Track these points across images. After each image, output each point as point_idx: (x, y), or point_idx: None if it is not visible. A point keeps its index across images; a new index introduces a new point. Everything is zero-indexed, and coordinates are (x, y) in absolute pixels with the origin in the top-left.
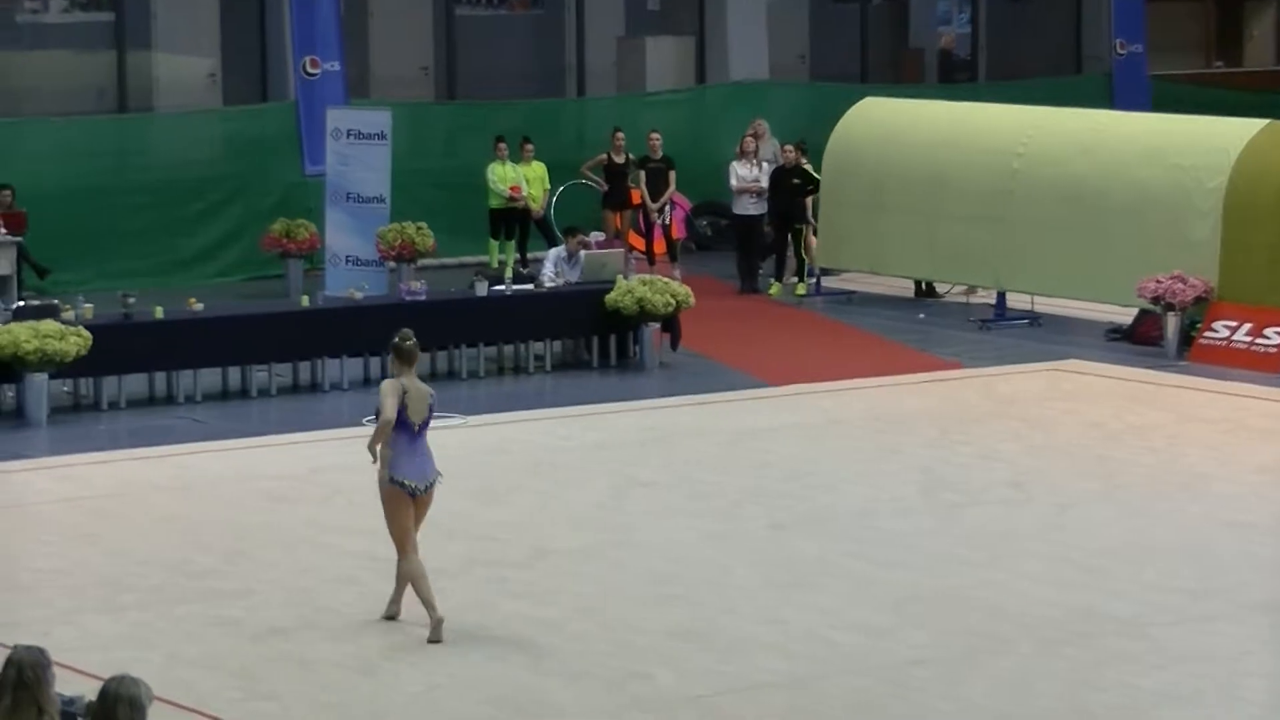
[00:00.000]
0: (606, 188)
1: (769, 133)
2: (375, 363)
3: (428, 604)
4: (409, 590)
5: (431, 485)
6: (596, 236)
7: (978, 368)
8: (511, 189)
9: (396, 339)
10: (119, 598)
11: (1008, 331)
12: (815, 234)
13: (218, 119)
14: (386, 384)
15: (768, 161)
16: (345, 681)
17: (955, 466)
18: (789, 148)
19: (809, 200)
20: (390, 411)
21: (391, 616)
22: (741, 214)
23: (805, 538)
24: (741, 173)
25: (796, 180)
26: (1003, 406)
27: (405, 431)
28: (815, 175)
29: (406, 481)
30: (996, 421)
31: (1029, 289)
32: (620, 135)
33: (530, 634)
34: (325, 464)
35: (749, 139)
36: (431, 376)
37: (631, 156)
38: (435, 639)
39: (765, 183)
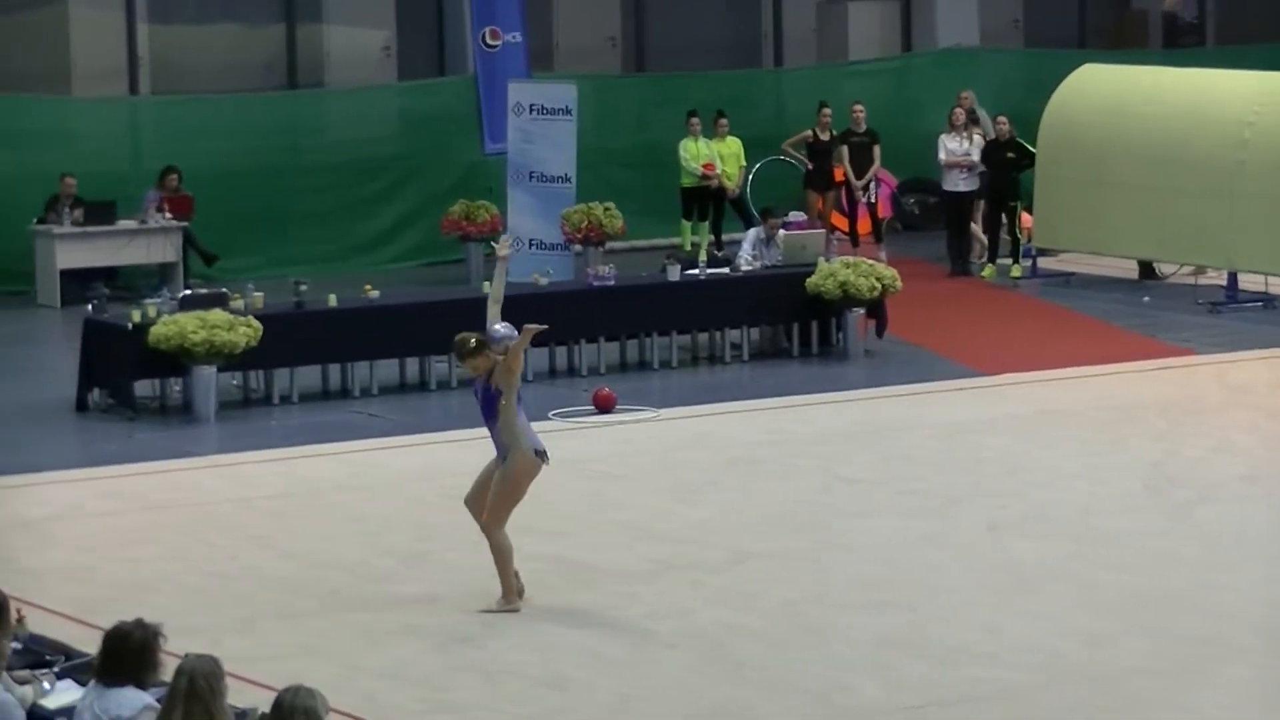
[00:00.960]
0: (810, 167)
1: (976, 104)
2: (561, 353)
3: (513, 584)
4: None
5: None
6: (797, 216)
7: (1208, 354)
8: (705, 166)
9: (459, 343)
10: (294, 603)
11: (1240, 315)
12: (1031, 212)
13: (393, 95)
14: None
15: (979, 134)
16: (534, 694)
17: (1185, 460)
18: (1002, 119)
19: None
20: (518, 356)
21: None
22: (951, 191)
23: (1023, 538)
24: (951, 146)
25: (1011, 154)
26: (1236, 395)
27: (521, 404)
28: (1030, 149)
29: (545, 451)
30: (1230, 412)
31: (1263, 268)
32: (827, 111)
33: (729, 642)
34: None
35: (959, 110)
36: (621, 367)
37: (835, 132)
38: (496, 610)
39: (977, 157)
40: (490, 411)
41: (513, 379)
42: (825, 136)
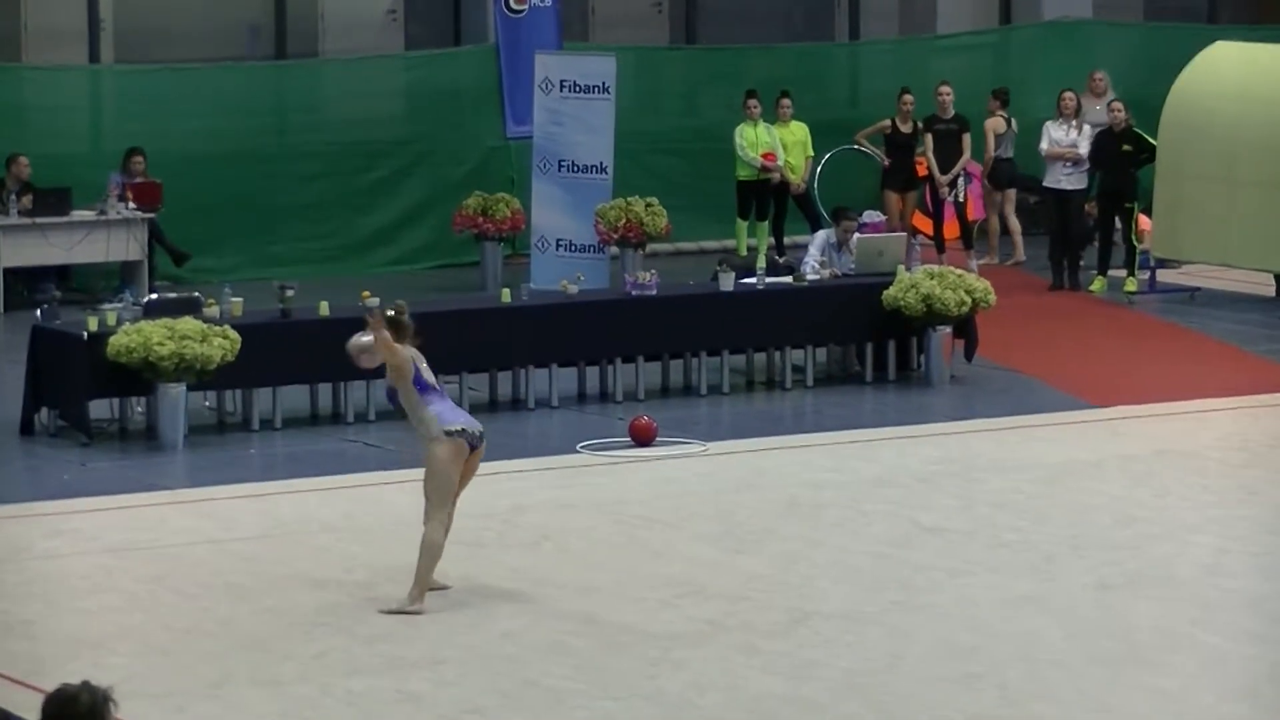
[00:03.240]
0: (888, 163)
1: (1109, 87)
2: (593, 375)
3: (429, 585)
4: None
5: (484, 437)
6: (872, 217)
7: None
8: (765, 157)
9: (393, 310)
10: (276, 667)
11: None
12: (1149, 215)
13: (399, 67)
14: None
15: (1089, 124)
16: None
17: None
18: (1117, 105)
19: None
20: (396, 350)
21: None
22: (1054, 188)
23: (1139, 600)
24: (1055, 135)
25: (1127, 147)
26: None
27: (432, 391)
28: (1150, 141)
29: (466, 428)
30: None
31: None
32: (909, 98)
33: (788, 718)
34: (531, 501)
35: (1069, 95)
36: (663, 392)
37: (918, 123)
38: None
39: (1085, 149)
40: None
41: (397, 368)
42: (906, 128)
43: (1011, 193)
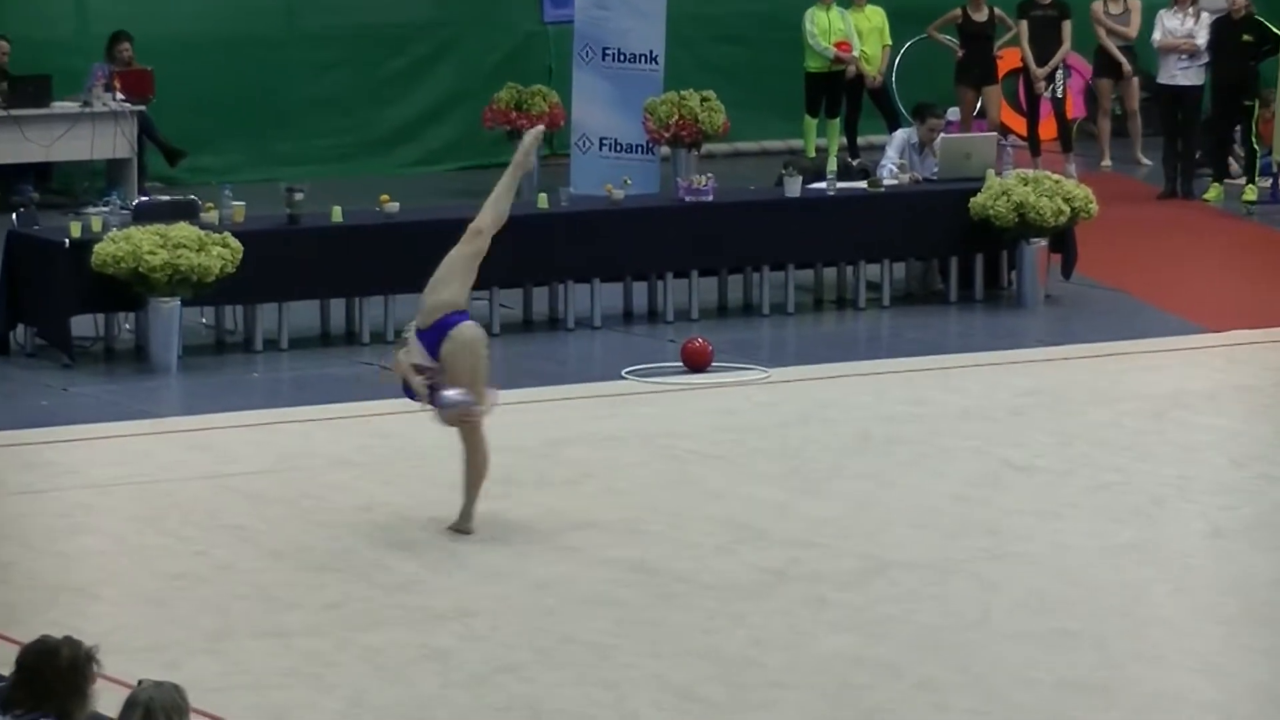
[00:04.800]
0: (961, 54)
1: None
2: (640, 291)
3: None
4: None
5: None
6: (953, 115)
7: None
8: (839, 46)
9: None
10: (281, 617)
11: None
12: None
13: None
14: None
15: (1208, 11)
16: None
17: None
18: None
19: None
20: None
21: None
22: (1168, 84)
23: (1257, 551)
24: (1170, 25)
25: (1248, 37)
26: None
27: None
28: (1274, 30)
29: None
30: None
31: None
32: None
33: (857, 680)
34: (571, 434)
35: None
36: (720, 311)
37: (998, 11)
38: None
39: (1203, 41)
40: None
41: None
42: (980, 15)
43: (1133, 82)
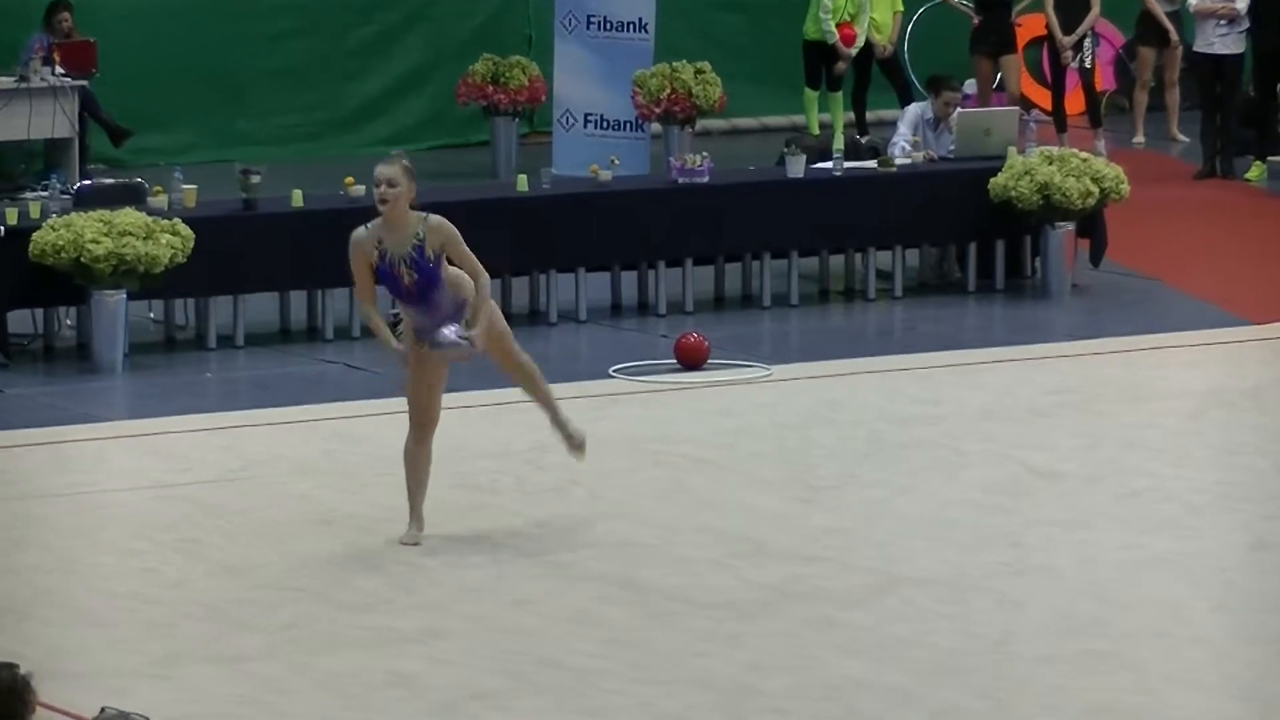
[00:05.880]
0: (977, 21)
1: None
2: (629, 281)
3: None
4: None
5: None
6: (970, 88)
7: None
8: (841, 31)
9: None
10: (235, 639)
11: None
12: None
13: None
14: None
15: None
16: None
17: None
18: None
19: None
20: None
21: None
22: (1205, 52)
23: None
24: None
25: None
26: None
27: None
28: None
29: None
30: None
31: None
32: None
33: (870, 709)
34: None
35: None
36: (717, 303)
37: None
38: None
39: (1243, 4)
40: (433, 280)
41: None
42: None
43: (1177, 51)
